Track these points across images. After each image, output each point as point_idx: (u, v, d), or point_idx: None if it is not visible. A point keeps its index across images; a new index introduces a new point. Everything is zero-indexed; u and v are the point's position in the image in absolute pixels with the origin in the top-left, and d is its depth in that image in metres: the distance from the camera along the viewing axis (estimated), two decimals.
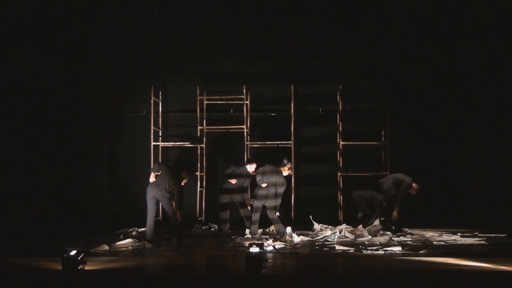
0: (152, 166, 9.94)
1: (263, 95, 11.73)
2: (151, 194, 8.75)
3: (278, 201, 9.26)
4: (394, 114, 11.20)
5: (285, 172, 9.33)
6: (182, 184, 9.08)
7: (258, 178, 9.26)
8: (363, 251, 7.83)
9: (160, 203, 9.67)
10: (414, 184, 9.72)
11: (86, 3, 10.79)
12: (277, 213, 9.25)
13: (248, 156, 10.32)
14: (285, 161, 9.43)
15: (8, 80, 9.33)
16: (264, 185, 9.17)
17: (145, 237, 8.81)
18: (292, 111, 11.28)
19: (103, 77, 11.33)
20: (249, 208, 9.55)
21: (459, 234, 9.39)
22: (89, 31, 10.81)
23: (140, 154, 11.50)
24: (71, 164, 10.41)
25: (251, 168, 9.63)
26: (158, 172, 8.93)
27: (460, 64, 10.94)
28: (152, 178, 8.87)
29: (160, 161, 11.16)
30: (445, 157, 11.32)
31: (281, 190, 9.24)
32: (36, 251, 7.80)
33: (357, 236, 9.23)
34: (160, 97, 11.56)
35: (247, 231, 9.46)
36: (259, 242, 7.58)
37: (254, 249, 6.13)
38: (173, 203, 8.94)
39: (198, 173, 11.16)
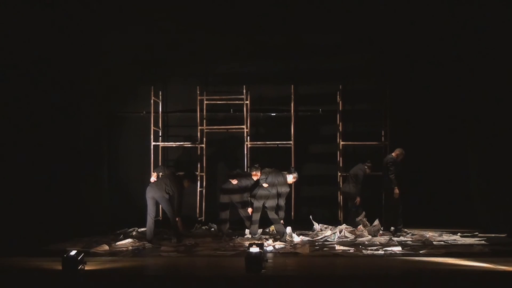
0: (156, 168, 9.95)
1: (263, 95, 11.73)
2: (150, 194, 8.77)
3: (281, 202, 9.24)
4: (394, 114, 11.20)
5: (290, 178, 9.31)
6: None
7: (262, 176, 9.27)
8: (363, 251, 7.83)
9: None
10: (394, 153, 9.73)
11: (86, 3, 10.77)
12: (282, 221, 9.23)
13: (255, 164, 10.18)
14: (292, 169, 9.46)
15: (9, 80, 9.31)
16: (265, 185, 9.17)
17: (145, 237, 8.83)
18: (292, 111, 11.28)
19: (103, 77, 11.31)
20: (249, 210, 9.54)
21: (459, 234, 9.40)
22: (89, 31, 10.79)
23: (140, 154, 11.50)
24: (71, 164, 10.39)
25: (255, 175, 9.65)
26: (160, 173, 8.93)
27: (460, 64, 10.93)
28: (153, 178, 8.89)
29: (160, 162, 11.17)
30: (445, 157, 11.31)
31: (284, 189, 9.21)
32: (36, 251, 7.80)
33: (357, 236, 9.24)
34: (160, 97, 11.55)
35: (247, 231, 9.47)
36: (259, 242, 7.58)
37: (254, 249, 6.13)
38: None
39: (198, 173, 11.16)
